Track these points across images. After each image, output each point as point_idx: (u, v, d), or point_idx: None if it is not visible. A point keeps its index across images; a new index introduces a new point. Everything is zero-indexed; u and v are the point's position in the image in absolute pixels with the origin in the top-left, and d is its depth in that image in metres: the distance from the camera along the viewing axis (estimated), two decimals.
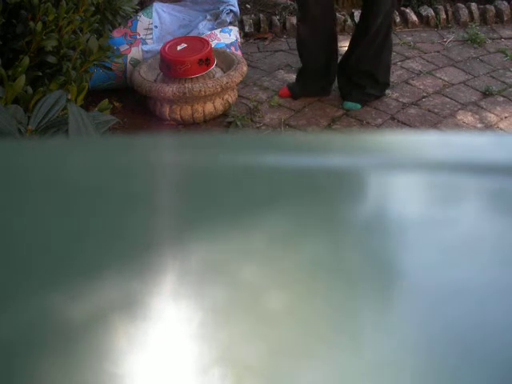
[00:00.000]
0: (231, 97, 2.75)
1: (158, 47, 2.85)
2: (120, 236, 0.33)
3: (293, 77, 2.95)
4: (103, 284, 0.28)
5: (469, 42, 3.34)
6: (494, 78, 3.03)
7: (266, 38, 3.44)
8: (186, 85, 2.60)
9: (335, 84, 2.85)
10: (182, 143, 0.47)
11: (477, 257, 0.31)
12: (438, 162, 0.42)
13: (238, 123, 2.69)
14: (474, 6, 3.58)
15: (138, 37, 3.01)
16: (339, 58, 2.80)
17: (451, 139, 0.49)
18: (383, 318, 0.27)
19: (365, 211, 0.38)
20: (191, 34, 3.00)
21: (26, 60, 1.64)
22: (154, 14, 3.13)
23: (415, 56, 3.23)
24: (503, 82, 2.98)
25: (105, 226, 0.34)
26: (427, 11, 3.56)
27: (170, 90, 2.57)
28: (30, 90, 1.58)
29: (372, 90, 2.78)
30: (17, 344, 0.25)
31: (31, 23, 1.73)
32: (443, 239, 0.33)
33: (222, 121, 2.73)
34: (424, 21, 3.54)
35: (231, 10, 3.18)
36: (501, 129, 2.64)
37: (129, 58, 2.87)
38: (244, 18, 3.50)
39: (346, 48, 2.80)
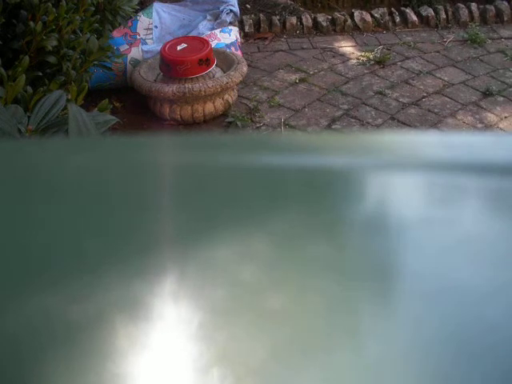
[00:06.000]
0: (231, 97, 2.75)
1: (158, 47, 2.85)
2: (120, 236, 0.33)
3: (293, 77, 2.94)
4: (104, 285, 0.28)
5: (469, 42, 3.34)
6: (493, 77, 3.03)
7: (266, 38, 3.44)
8: (186, 85, 2.60)
9: (335, 84, 2.84)
10: (182, 143, 0.47)
11: (476, 256, 0.31)
12: (438, 162, 0.42)
13: (238, 123, 2.68)
14: (474, 5, 3.58)
15: (138, 37, 3.01)
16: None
17: (451, 139, 0.49)
18: (383, 318, 0.27)
19: (365, 211, 0.38)
20: (191, 34, 3.00)
21: (26, 60, 1.64)
22: (154, 14, 3.13)
23: (415, 56, 3.23)
24: (503, 82, 2.98)
25: (105, 226, 0.34)
26: (427, 11, 3.56)
27: (170, 89, 2.57)
28: (30, 89, 1.58)
29: None
30: (18, 344, 0.25)
31: (31, 23, 1.73)
32: (443, 239, 0.33)
33: (222, 121, 2.73)
34: (424, 21, 3.54)
35: (231, 10, 3.18)
36: (501, 129, 2.64)
37: (129, 58, 2.87)
38: (244, 17, 3.50)
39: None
